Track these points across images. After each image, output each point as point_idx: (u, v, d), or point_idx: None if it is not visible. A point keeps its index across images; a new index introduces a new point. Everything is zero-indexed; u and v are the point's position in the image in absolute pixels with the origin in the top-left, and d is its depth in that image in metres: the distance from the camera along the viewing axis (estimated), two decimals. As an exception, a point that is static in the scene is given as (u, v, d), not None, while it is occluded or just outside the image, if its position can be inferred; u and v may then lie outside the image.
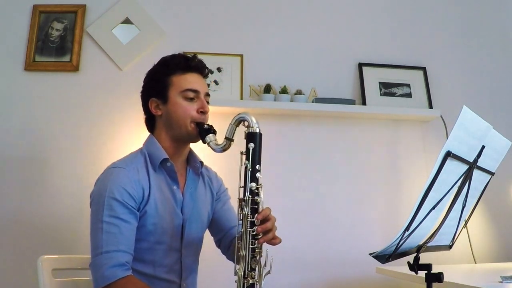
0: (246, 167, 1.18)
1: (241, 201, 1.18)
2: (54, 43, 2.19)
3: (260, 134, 1.21)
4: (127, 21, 2.23)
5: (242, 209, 1.17)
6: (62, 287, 1.39)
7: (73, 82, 2.16)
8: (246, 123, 1.23)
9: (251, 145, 1.19)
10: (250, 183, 1.17)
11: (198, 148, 1.43)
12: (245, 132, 1.23)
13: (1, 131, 2.08)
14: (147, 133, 1.43)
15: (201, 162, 1.45)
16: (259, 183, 1.19)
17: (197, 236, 1.42)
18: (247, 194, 1.17)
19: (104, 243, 1.18)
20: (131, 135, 2.09)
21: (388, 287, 2.07)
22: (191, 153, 1.44)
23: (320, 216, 2.16)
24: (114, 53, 2.19)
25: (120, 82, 2.16)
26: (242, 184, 1.19)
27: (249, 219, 1.16)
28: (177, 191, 1.35)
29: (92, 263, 1.20)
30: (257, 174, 1.19)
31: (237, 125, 1.27)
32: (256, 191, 1.18)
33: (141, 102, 1.42)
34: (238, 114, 1.26)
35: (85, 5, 2.23)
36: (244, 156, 1.20)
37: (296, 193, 2.16)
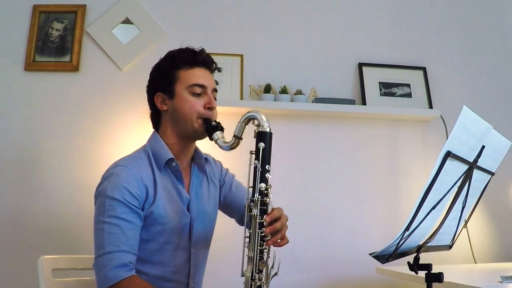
0: (255, 167, 1.16)
1: (250, 201, 1.16)
2: (54, 43, 2.19)
3: (271, 134, 1.19)
4: (127, 21, 2.23)
5: (250, 210, 1.15)
6: (62, 287, 1.39)
7: (73, 82, 2.16)
8: (256, 122, 1.20)
9: (261, 144, 1.16)
10: (259, 183, 1.15)
11: (209, 146, 1.42)
12: (254, 131, 1.20)
13: (1, 131, 2.08)
14: (148, 133, 1.42)
15: (206, 159, 1.44)
16: (269, 183, 1.16)
17: (206, 233, 1.41)
18: (256, 195, 1.15)
19: (106, 243, 1.17)
20: (131, 135, 2.09)
21: (388, 287, 2.07)
22: (196, 150, 1.42)
23: (320, 216, 2.16)
24: (114, 53, 2.19)
25: (120, 82, 2.16)
26: (251, 184, 1.17)
27: (257, 220, 1.14)
28: (182, 190, 1.34)
29: (95, 264, 1.19)
30: (267, 175, 1.16)
31: (247, 123, 1.24)
32: (266, 191, 1.16)
33: (146, 98, 1.40)
34: (248, 112, 1.22)
35: (85, 5, 2.23)
36: (253, 156, 1.17)
37: (295, 193, 2.16)
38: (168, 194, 1.30)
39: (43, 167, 2.07)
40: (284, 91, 2.17)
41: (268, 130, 1.18)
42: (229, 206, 1.51)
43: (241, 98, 2.16)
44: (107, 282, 1.14)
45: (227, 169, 1.56)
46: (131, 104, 2.12)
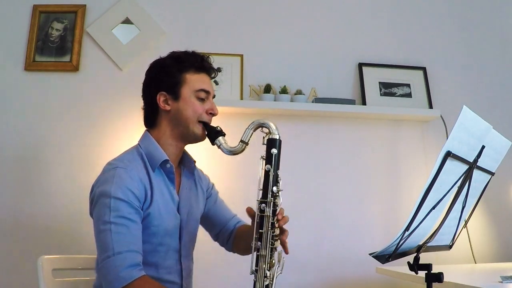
0: (268, 171, 1.22)
1: (261, 202, 1.21)
2: (54, 43, 2.19)
3: (280, 141, 1.25)
4: (127, 21, 2.23)
5: (262, 211, 1.20)
6: (62, 287, 1.39)
7: (73, 82, 2.16)
8: (266, 130, 1.26)
9: (274, 151, 1.23)
10: (272, 186, 1.22)
11: (203, 150, 1.42)
12: (263, 137, 1.26)
13: (1, 130, 2.08)
14: (147, 133, 1.42)
15: (194, 161, 1.46)
16: (279, 187, 1.23)
17: (193, 235, 1.44)
18: (269, 196, 1.21)
19: (115, 244, 1.16)
20: (132, 135, 2.08)
21: (388, 287, 2.07)
22: (184, 152, 1.44)
23: (320, 216, 2.16)
24: (114, 53, 2.19)
25: (120, 82, 2.16)
26: (261, 187, 1.22)
27: (270, 220, 1.20)
28: (174, 191, 1.35)
29: (103, 266, 1.16)
30: (278, 179, 1.23)
31: (255, 130, 1.29)
32: (277, 194, 1.22)
33: (142, 94, 1.40)
34: (258, 120, 1.28)
35: (85, 5, 2.23)
36: (263, 161, 1.24)
37: (296, 193, 2.16)
38: (162, 195, 1.31)
39: (43, 167, 2.07)
40: (284, 91, 2.17)
41: (278, 137, 1.25)
42: (210, 219, 1.54)
43: (241, 98, 2.16)
44: (121, 282, 1.13)
45: (213, 184, 1.59)
46: (131, 104, 2.11)
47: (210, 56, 1.43)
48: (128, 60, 2.19)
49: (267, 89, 2.18)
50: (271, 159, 1.23)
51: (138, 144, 1.37)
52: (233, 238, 1.51)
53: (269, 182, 1.21)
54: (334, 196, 2.19)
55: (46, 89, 2.14)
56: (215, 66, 1.43)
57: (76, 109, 2.13)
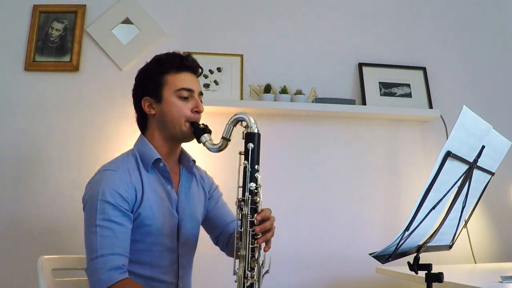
0: (245, 167, 1.18)
1: (240, 201, 1.17)
2: (54, 43, 2.19)
3: (259, 134, 1.21)
4: (127, 21, 2.23)
5: (241, 209, 1.17)
6: (62, 287, 1.39)
7: (73, 82, 2.16)
8: (244, 123, 1.23)
9: (250, 145, 1.18)
10: (249, 183, 1.17)
11: (196, 147, 1.42)
12: (243, 132, 1.22)
13: (0, 131, 2.08)
14: (147, 134, 1.42)
15: (194, 161, 1.45)
16: (258, 183, 1.18)
17: (193, 235, 1.42)
18: (247, 194, 1.16)
19: (99, 247, 1.17)
20: (131, 135, 2.08)
21: (388, 287, 2.07)
22: (182, 152, 1.44)
23: (319, 216, 2.16)
24: (114, 53, 2.19)
25: (120, 82, 2.16)
26: (241, 184, 1.18)
27: (248, 219, 1.15)
28: (171, 191, 1.35)
29: (88, 268, 1.19)
30: (256, 174, 1.18)
31: (235, 125, 1.26)
32: (256, 191, 1.17)
33: (132, 101, 1.42)
34: (236, 114, 1.25)
35: (85, 5, 2.23)
36: (242, 157, 1.19)
37: (295, 193, 2.16)
38: (155, 195, 1.31)
39: (43, 167, 2.07)
40: (284, 91, 2.17)
41: (256, 131, 1.20)
42: (210, 222, 1.52)
43: (241, 98, 2.16)
44: (102, 285, 1.15)
45: (217, 186, 1.58)
46: (131, 104, 2.10)
47: (190, 54, 1.42)
48: (128, 60, 2.19)
49: (267, 89, 2.18)
50: (248, 154, 1.18)
51: (133, 147, 1.38)
52: (231, 243, 1.46)
53: (246, 178, 1.17)
54: (334, 196, 2.19)
55: (46, 89, 2.14)
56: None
57: (76, 109, 2.13)
